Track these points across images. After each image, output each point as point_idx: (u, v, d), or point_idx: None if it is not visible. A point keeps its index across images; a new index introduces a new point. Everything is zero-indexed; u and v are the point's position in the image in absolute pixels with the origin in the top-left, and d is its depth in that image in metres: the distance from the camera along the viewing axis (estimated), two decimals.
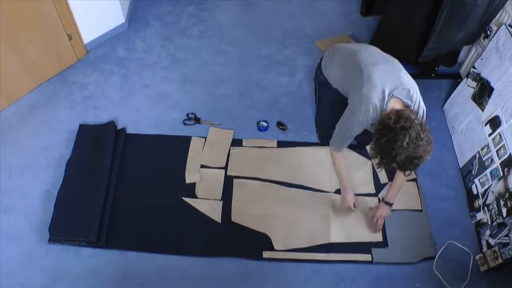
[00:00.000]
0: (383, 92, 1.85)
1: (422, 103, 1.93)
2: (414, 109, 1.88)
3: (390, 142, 1.70)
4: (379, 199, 2.35)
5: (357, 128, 1.97)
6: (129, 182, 2.41)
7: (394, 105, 1.85)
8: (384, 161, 1.78)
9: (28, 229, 2.23)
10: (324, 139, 2.53)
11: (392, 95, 1.85)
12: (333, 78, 2.24)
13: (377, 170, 2.40)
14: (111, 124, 2.59)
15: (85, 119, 2.66)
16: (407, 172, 1.87)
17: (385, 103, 1.85)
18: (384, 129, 1.74)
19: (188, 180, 2.41)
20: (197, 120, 2.61)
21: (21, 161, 2.47)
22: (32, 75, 2.72)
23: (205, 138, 2.56)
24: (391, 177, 2.44)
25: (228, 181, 2.42)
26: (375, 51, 2.11)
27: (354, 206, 2.22)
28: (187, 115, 2.67)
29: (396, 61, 2.04)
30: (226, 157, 2.49)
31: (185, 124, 2.64)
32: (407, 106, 1.86)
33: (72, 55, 2.89)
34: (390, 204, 2.24)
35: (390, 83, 1.87)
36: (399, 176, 2.16)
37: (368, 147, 2.49)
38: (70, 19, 2.71)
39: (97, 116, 2.68)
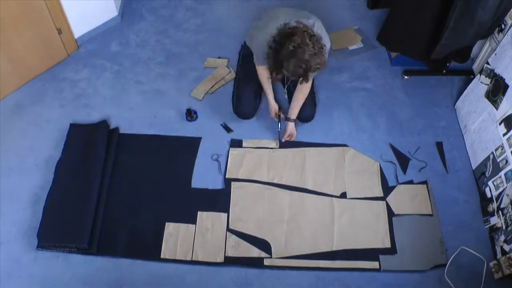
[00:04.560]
0: (284, 20, 2.19)
1: (325, 35, 2.25)
2: (315, 30, 2.17)
3: (278, 47, 2.05)
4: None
5: (262, 44, 2.24)
6: (122, 185, 2.41)
7: (292, 24, 2.16)
8: (276, 68, 2.11)
9: (15, 235, 2.23)
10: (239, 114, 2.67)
11: (293, 19, 2.17)
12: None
13: (278, 80, 2.60)
14: (103, 124, 2.59)
15: (75, 118, 2.66)
16: (305, 83, 2.27)
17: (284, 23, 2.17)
18: (275, 37, 2.11)
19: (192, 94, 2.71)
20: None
21: (8, 162, 2.46)
22: (19, 71, 2.71)
23: (195, 225, 2.30)
24: None
25: (227, 184, 2.42)
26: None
27: (277, 116, 2.57)
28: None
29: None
30: (223, 248, 2.23)
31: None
32: (305, 24, 2.15)
33: (62, 50, 2.89)
34: (292, 120, 2.55)
35: (293, 15, 2.22)
36: (298, 91, 2.48)
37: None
38: (60, 12, 2.71)
39: (89, 115, 2.68)
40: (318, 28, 2.23)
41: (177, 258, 2.18)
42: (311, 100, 2.64)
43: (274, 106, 2.59)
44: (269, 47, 2.16)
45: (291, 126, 2.57)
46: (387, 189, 2.43)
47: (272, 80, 2.56)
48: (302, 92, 2.49)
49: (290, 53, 2.02)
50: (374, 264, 2.19)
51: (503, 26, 2.48)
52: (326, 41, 2.24)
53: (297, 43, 2.01)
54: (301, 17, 2.23)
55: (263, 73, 2.49)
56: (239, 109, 2.62)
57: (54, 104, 2.73)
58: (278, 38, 2.11)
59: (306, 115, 2.63)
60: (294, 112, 2.55)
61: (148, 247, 2.21)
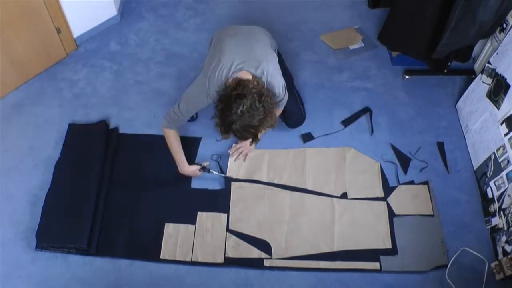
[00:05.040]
0: (232, 63, 1.98)
1: (277, 77, 2.06)
2: (264, 81, 1.99)
3: (226, 110, 1.86)
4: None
5: (200, 99, 2.08)
6: (121, 185, 2.41)
7: (242, 75, 1.96)
8: (222, 129, 1.93)
9: (14, 236, 2.23)
10: None
11: (242, 67, 1.97)
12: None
13: (222, 139, 2.24)
14: (102, 123, 2.59)
15: (74, 118, 2.66)
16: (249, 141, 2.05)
17: (231, 72, 1.97)
18: (222, 96, 1.91)
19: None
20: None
21: (6, 163, 2.46)
22: (17, 71, 2.71)
23: (195, 226, 2.29)
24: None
25: (227, 185, 2.42)
26: (244, 27, 2.27)
27: (202, 168, 2.37)
28: None
29: (258, 31, 2.21)
30: (223, 248, 2.23)
31: None
32: (255, 77, 1.96)
33: (60, 49, 2.89)
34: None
35: (241, 56, 2.00)
36: None
37: None
38: (59, 11, 2.71)
39: (88, 114, 2.68)
40: (269, 74, 2.02)
41: (177, 258, 2.18)
42: (295, 104, 2.56)
43: (191, 172, 2.36)
44: (215, 106, 1.96)
45: (246, 142, 2.40)
46: (388, 190, 2.43)
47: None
48: None
49: (239, 118, 1.85)
50: (375, 265, 2.19)
51: (504, 25, 2.48)
52: (278, 82, 2.07)
53: (246, 108, 1.84)
54: (251, 58, 2.02)
55: (173, 134, 2.26)
56: None
57: (53, 103, 2.72)
58: (224, 99, 1.90)
59: (294, 119, 2.56)
60: None
61: (147, 248, 2.21)
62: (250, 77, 1.95)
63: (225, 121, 1.88)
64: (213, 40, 2.30)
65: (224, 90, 1.93)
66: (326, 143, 2.60)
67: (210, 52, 2.18)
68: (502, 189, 2.23)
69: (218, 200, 2.36)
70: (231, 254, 2.20)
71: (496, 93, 2.34)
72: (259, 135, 2.04)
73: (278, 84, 2.07)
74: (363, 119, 2.71)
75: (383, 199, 2.39)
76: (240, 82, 1.90)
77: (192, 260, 2.18)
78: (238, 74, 1.98)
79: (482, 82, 2.48)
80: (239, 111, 1.83)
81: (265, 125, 1.92)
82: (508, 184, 2.18)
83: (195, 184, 2.42)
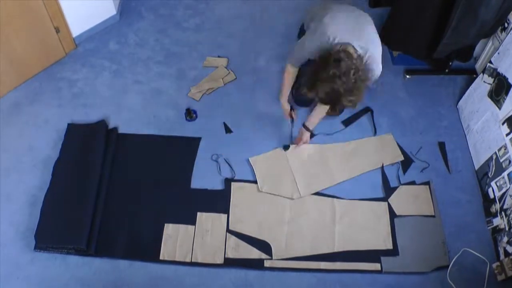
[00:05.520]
0: (341, 34, 1.98)
1: (377, 63, 2.07)
2: (365, 62, 2.00)
3: (321, 67, 1.88)
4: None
5: (311, 46, 2.08)
6: (121, 185, 2.41)
7: (347, 48, 1.97)
8: (307, 86, 1.95)
9: (13, 236, 2.23)
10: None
11: (349, 42, 1.98)
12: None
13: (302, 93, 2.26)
14: (101, 123, 2.58)
15: (73, 118, 2.65)
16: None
17: (337, 40, 1.98)
18: (323, 56, 1.93)
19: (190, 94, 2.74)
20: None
21: (5, 163, 2.46)
22: (16, 70, 2.71)
23: (195, 226, 2.30)
24: None
25: (227, 185, 2.42)
26: (352, 7, 2.25)
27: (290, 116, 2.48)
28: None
29: (366, 16, 2.20)
30: (223, 249, 2.23)
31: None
32: (358, 55, 1.97)
33: (59, 49, 2.89)
34: (309, 130, 2.46)
35: (350, 31, 2.00)
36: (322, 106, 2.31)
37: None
38: (58, 10, 2.70)
39: (87, 114, 2.68)
40: (371, 58, 2.03)
41: (177, 259, 2.18)
42: None
43: (285, 108, 2.48)
44: (310, 59, 2.01)
45: (306, 136, 2.49)
46: (389, 190, 2.43)
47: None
48: (324, 109, 2.36)
49: (327, 78, 1.87)
50: (376, 266, 2.19)
51: (506, 25, 2.48)
52: (377, 70, 2.09)
53: (339, 73, 1.85)
54: (359, 34, 2.03)
55: (290, 73, 2.31)
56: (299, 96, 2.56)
57: (52, 103, 2.72)
58: (324, 57, 1.94)
59: None
60: (312, 121, 2.44)
61: (147, 248, 2.21)
62: (353, 51, 1.97)
63: (313, 78, 1.91)
64: (313, 13, 2.29)
65: (327, 51, 1.95)
66: (326, 143, 2.59)
67: (317, 17, 2.15)
68: (504, 190, 2.22)
69: (218, 201, 2.36)
70: (231, 254, 2.20)
71: (497, 93, 2.34)
72: (337, 107, 2.05)
73: (376, 71, 2.09)
74: (364, 119, 2.71)
75: (384, 199, 2.39)
76: (345, 50, 1.93)
77: (192, 260, 2.18)
78: (344, 45, 1.98)
79: (484, 81, 2.47)
80: (331, 73, 1.85)
81: (348, 98, 1.91)
82: (510, 184, 2.18)
83: (195, 184, 2.42)
